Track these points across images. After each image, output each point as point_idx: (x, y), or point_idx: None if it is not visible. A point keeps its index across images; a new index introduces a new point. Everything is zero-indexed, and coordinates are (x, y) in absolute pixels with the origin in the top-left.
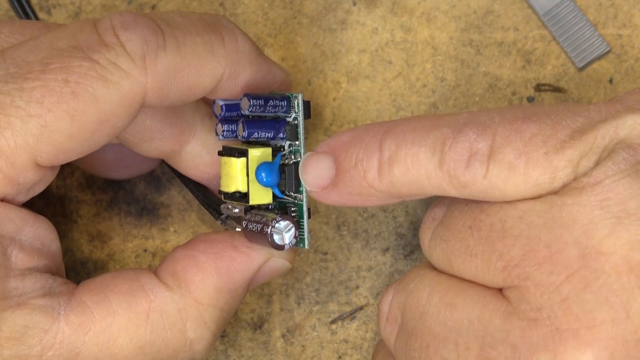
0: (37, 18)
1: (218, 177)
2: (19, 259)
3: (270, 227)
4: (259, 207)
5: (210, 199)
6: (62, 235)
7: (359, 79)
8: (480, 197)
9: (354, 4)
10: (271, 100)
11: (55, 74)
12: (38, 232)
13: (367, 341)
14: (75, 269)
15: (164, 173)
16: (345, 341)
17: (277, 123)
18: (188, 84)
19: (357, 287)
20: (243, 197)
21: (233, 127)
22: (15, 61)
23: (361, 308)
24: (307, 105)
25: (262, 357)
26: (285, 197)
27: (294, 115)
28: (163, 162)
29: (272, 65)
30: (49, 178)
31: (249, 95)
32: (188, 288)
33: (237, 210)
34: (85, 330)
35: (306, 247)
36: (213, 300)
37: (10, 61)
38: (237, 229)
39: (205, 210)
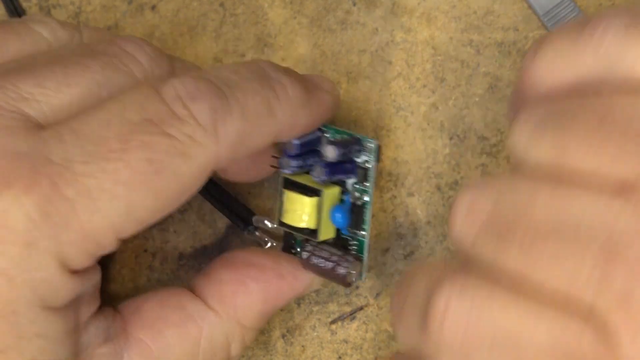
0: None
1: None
2: (84, 312)
3: (342, 267)
4: (322, 242)
5: (237, 208)
6: None
7: (359, 79)
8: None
9: (354, 5)
10: (350, 146)
11: (137, 153)
12: (95, 278)
13: (367, 341)
14: None
15: None
16: (345, 341)
17: (351, 165)
18: (253, 143)
19: (357, 287)
20: (311, 233)
21: (301, 162)
22: (89, 138)
23: (361, 308)
24: (378, 150)
25: (262, 357)
26: (349, 234)
27: (364, 158)
28: None
29: (320, 96)
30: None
31: (335, 144)
32: (235, 313)
33: (273, 226)
34: None
35: (363, 280)
36: (255, 323)
37: (84, 138)
38: (269, 243)
39: (205, 211)
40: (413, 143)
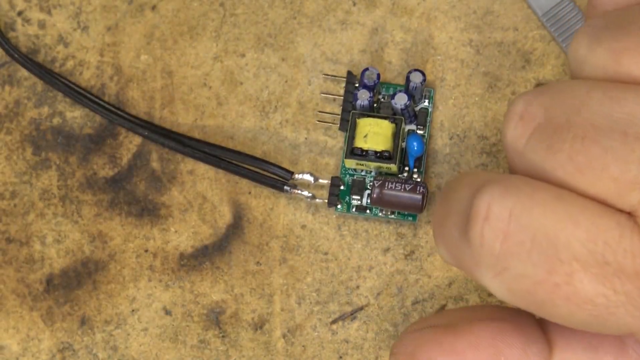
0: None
1: None
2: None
3: (422, 187)
4: (385, 174)
5: (272, 168)
6: (63, 235)
7: None
8: None
9: (354, 4)
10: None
11: None
12: None
13: (368, 341)
14: (76, 270)
15: (164, 173)
16: (346, 341)
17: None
18: None
19: (358, 287)
20: (387, 158)
21: (372, 99)
22: None
23: (362, 308)
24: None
25: (263, 357)
26: (413, 169)
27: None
28: None
29: None
30: None
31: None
32: None
33: (318, 180)
34: None
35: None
36: None
37: None
38: (304, 193)
39: (206, 211)
40: None
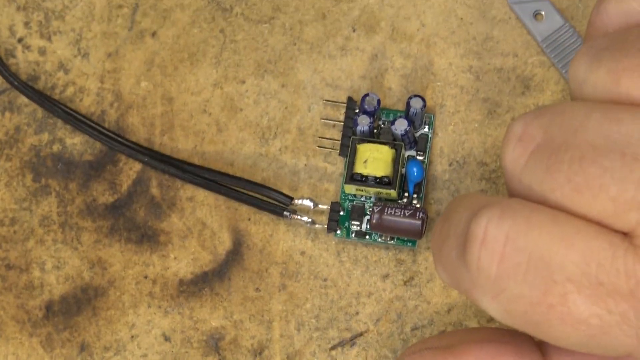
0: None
1: None
2: None
3: (421, 212)
4: (385, 200)
5: (272, 194)
6: (63, 262)
7: None
8: None
9: (354, 31)
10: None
11: None
12: None
13: None
14: (76, 296)
15: (164, 200)
16: None
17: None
18: None
19: (357, 313)
20: (387, 184)
21: (372, 125)
22: None
23: (361, 334)
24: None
25: None
26: (413, 193)
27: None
28: None
29: None
30: None
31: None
32: None
33: (317, 206)
34: None
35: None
36: None
37: None
38: (304, 218)
39: (205, 237)
40: None
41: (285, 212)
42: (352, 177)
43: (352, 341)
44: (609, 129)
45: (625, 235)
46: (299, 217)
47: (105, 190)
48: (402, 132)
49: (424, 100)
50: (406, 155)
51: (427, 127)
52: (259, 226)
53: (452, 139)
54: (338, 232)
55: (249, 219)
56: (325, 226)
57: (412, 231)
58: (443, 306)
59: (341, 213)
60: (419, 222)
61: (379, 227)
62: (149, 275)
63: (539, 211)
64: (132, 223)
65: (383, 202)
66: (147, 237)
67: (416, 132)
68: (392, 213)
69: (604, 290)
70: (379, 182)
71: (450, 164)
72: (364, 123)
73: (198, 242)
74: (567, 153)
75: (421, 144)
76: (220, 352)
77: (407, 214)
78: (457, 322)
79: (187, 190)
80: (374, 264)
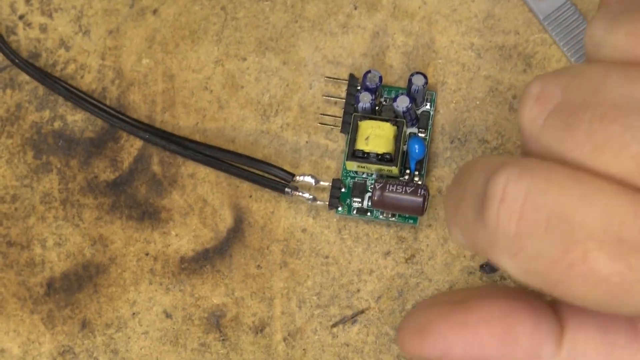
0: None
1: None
2: None
3: (423, 190)
4: (386, 177)
5: (274, 170)
6: (64, 239)
7: None
8: None
9: (355, 8)
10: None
11: None
12: None
13: (368, 345)
14: (78, 273)
15: (165, 177)
16: (347, 345)
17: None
18: None
19: (359, 290)
20: (389, 161)
21: (374, 102)
22: None
23: (362, 312)
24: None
25: None
26: (415, 170)
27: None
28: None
29: None
30: None
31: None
32: None
33: (319, 182)
34: None
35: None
36: None
37: None
38: (305, 195)
39: (207, 215)
40: None
41: (286, 189)
42: (354, 154)
43: (353, 318)
44: (630, 89)
45: None
46: (300, 193)
47: (106, 167)
48: (404, 109)
49: (425, 77)
50: (408, 132)
51: (428, 104)
52: (260, 203)
53: (453, 116)
54: (339, 209)
55: (250, 196)
56: (327, 203)
57: (414, 208)
58: (444, 283)
59: (342, 190)
60: (421, 199)
61: (380, 204)
62: (150, 252)
63: (558, 170)
64: (133, 200)
65: (384, 179)
66: (148, 214)
67: (418, 110)
68: (394, 190)
69: (626, 247)
70: (381, 159)
71: (452, 142)
72: (365, 100)
73: (199, 219)
74: (587, 112)
75: (423, 121)
76: (222, 329)
77: (408, 191)
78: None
79: (189, 167)
80: (375, 242)
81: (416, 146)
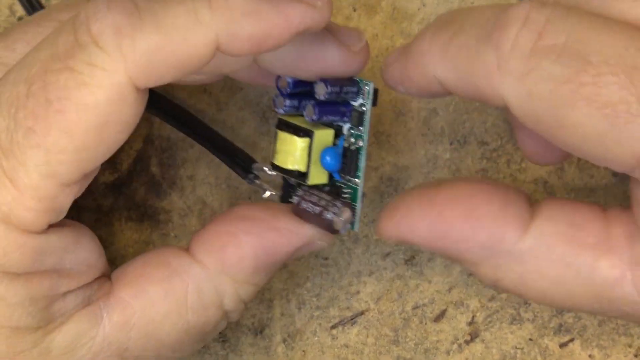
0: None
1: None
2: (61, 285)
3: (330, 212)
4: (313, 187)
5: (238, 155)
6: None
7: None
8: None
9: (354, 10)
10: (345, 87)
11: (37, 97)
12: (82, 256)
13: (368, 346)
14: None
15: (164, 178)
16: (346, 346)
17: (345, 107)
18: (177, 59)
19: (358, 292)
20: (301, 176)
21: (295, 102)
22: (6, 86)
23: (362, 313)
24: (375, 93)
25: None
26: (342, 180)
27: (360, 101)
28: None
29: (283, 4)
30: (85, 184)
31: (327, 82)
32: (224, 266)
33: (272, 173)
34: (129, 326)
35: (356, 230)
36: (249, 278)
37: (6, 87)
38: (268, 192)
39: (206, 215)
40: (413, 148)
41: (249, 175)
42: (273, 166)
43: (352, 320)
44: None
45: None
46: (258, 182)
47: (105, 169)
48: (324, 96)
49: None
50: (348, 134)
51: (360, 98)
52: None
53: (452, 118)
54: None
55: (249, 198)
56: (279, 195)
57: (327, 228)
58: (444, 285)
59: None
60: (330, 222)
61: (298, 216)
62: None
63: (579, 7)
64: (133, 201)
65: (305, 190)
66: (147, 216)
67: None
68: (305, 208)
69: (639, 74)
70: (289, 173)
71: (451, 143)
72: (280, 104)
73: (198, 220)
74: None
75: (356, 118)
76: (221, 331)
77: (317, 211)
78: (458, 300)
79: (188, 169)
80: (374, 243)
81: (327, 158)
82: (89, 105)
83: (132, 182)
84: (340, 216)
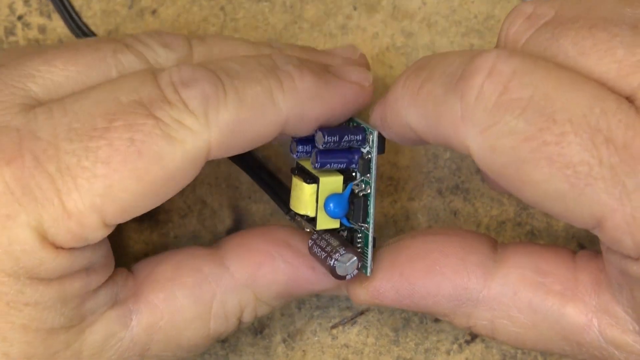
0: (93, 34)
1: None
2: (91, 282)
3: (333, 259)
4: (326, 231)
5: (282, 190)
6: None
7: None
8: None
9: (355, 9)
10: (346, 135)
11: (120, 133)
12: (103, 251)
13: (368, 346)
14: None
15: None
16: (346, 346)
17: (351, 154)
18: (251, 134)
19: None
20: (311, 220)
21: (308, 147)
22: (77, 115)
23: (362, 313)
24: (381, 140)
25: None
26: (352, 226)
27: (367, 148)
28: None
29: (339, 86)
30: (110, 231)
31: (324, 131)
32: (254, 283)
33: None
34: (155, 330)
35: (368, 274)
36: (271, 301)
37: (72, 115)
38: (306, 229)
39: (205, 216)
40: (413, 148)
41: (290, 212)
42: (289, 213)
43: (353, 320)
44: (623, 9)
45: (627, 99)
46: (298, 219)
47: None
48: (322, 145)
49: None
50: (359, 181)
51: (367, 146)
52: (260, 205)
53: None
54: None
55: (250, 198)
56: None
57: (332, 273)
58: None
59: None
60: (332, 268)
61: (313, 258)
62: (149, 254)
63: (545, 60)
64: None
65: (318, 234)
66: (147, 216)
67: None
68: (316, 252)
69: (601, 137)
70: (302, 217)
71: None
72: (294, 149)
73: (198, 220)
74: (576, 23)
75: (363, 165)
76: None
77: (322, 257)
78: None
79: None
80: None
81: (331, 205)
82: (167, 156)
83: None
84: (343, 262)
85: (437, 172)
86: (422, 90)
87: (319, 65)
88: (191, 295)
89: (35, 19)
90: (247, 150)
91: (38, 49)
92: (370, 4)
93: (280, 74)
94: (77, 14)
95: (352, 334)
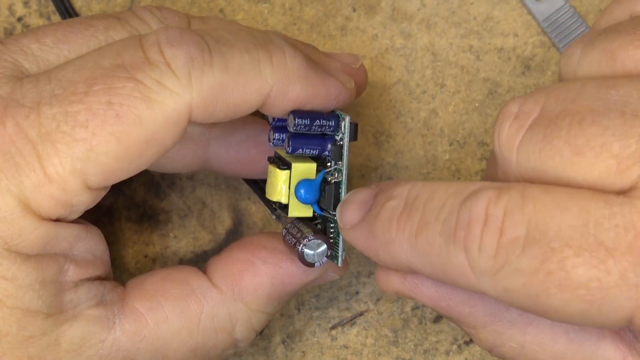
0: (76, 14)
1: (251, 171)
2: (72, 272)
3: (301, 244)
4: (299, 219)
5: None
6: None
7: None
8: None
9: (354, 10)
10: (318, 120)
11: (99, 96)
12: (90, 245)
13: (367, 347)
14: None
15: (163, 179)
16: (346, 347)
17: (324, 140)
18: (234, 101)
19: (357, 292)
20: (284, 207)
21: (283, 135)
22: (60, 82)
23: (361, 314)
24: (354, 127)
25: None
26: (324, 213)
27: (340, 135)
28: None
29: (327, 78)
30: (100, 196)
31: (295, 114)
32: (241, 293)
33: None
34: (139, 338)
35: (339, 264)
36: (263, 307)
37: (56, 82)
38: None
39: (205, 217)
40: (413, 149)
41: (276, 212)
42: (275, 212)
43: (352, 321)
44: (607, 93)
45: (621, 192)
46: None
47: None
48: (293, 128)
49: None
50: (332, 169)
51: (340, 132)
52: (259, 205)
53: (452, 119)
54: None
55: (249, 198)
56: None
57: (302, 260)
58: None
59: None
60: (301, 253)
61: (287, 247)
62: (148, 254)
63: (531, 185)
64: (132, 202)
65: (291, 222)
66: (146, 216)
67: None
68: (287, 241)
69: (603, 250)
70: (279, 206)
71: (451, 144)
72: (271, 137)
73: (198, 221)
74: (565, 119)
75: (335, 152)
76: None
77: (292, 243)
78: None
79: None
80: None
81: (302, 191)
82: (147, 119)
83: (131, 182)
84: (311, 250)
85: (436, 173)
86: (420, 238)
87: (312, 59)
88: (177, 306)
89: (35, 21)
90: (229, 119)
91: (33, 28)
92: (369, 6)
93: (272, 48)
94: (77, 14)
95: (351, 335)
